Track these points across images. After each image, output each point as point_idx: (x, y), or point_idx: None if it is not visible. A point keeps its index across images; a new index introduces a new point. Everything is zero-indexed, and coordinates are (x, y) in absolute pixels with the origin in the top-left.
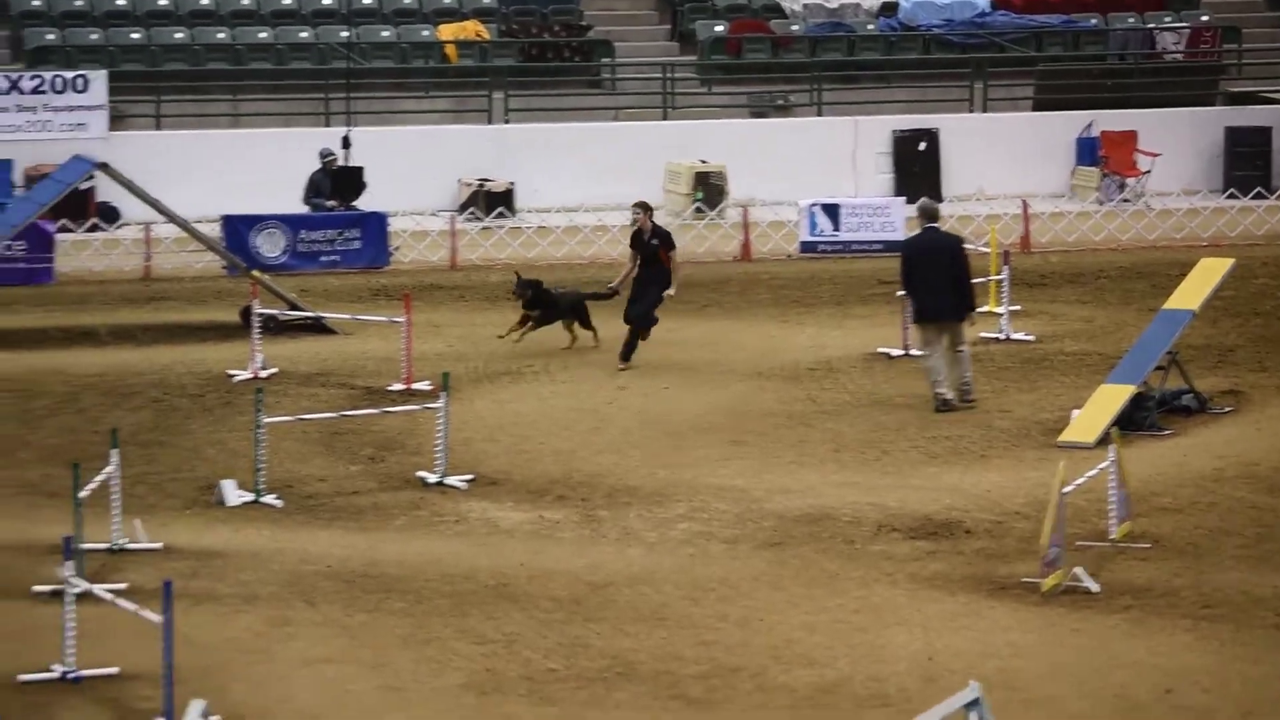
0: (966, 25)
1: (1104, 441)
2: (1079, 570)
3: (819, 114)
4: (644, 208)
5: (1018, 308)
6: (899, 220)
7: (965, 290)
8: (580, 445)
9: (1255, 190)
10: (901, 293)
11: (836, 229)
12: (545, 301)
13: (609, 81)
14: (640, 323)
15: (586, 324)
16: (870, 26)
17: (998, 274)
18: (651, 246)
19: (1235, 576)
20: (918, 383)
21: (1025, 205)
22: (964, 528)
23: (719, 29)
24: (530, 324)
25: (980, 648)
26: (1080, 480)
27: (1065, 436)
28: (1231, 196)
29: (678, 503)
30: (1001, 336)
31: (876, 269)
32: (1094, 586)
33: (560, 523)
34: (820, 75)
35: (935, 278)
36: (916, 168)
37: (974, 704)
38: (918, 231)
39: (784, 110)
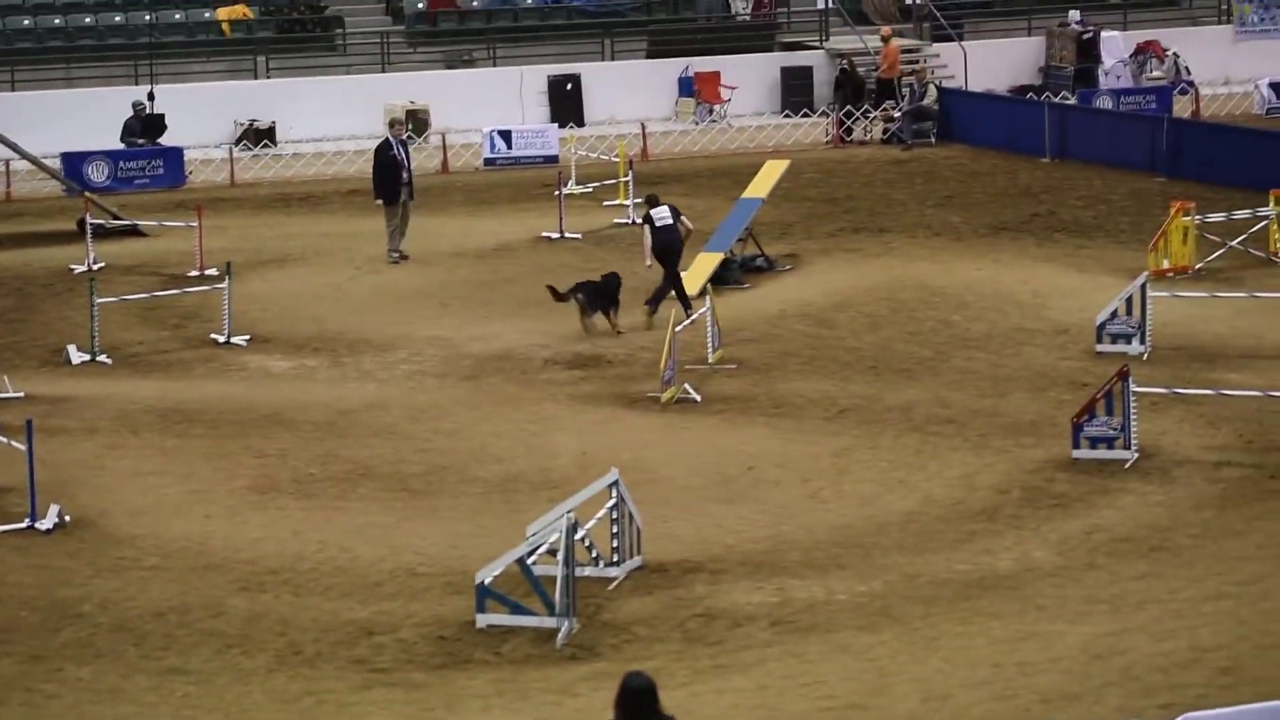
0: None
1: (703, 293)
2: (688, 386)
3: (494, 65)
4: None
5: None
6: (554, 141)
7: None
8: (330, 311)
9: (802, 111)
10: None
11: (510, 148)
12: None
13: (341, 46)
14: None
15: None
16: (529, 1)
17: (625, 176)
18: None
19: (796, 385)
20: (574, 256)
21: (644, 127)
22: (605, 359)
23: (420, 5)
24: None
25: (620, 444)
26: (687, 321)
27: None
28: (786, 116)
29: (401, 350)
30: (627, 222)
31: (539, 176)
32: (698, 397)
33: (316, 367)
34: (495, 37)
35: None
36: (565, 103)
37: (615, 483)
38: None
39: (469, 63)
